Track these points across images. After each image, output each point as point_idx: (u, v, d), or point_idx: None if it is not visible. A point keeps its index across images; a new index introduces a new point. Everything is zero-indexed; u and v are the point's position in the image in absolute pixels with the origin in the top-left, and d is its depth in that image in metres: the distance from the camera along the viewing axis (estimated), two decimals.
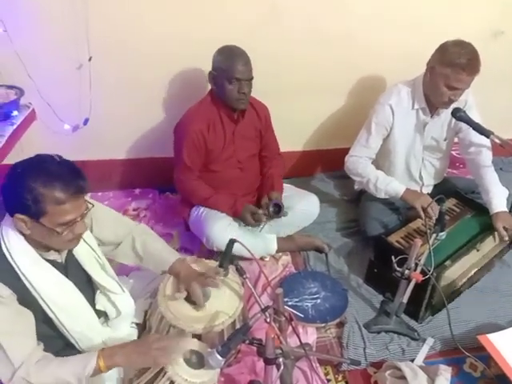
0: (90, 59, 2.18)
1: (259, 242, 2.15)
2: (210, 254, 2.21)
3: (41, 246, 1.31)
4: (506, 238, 2.04)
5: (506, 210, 2.08)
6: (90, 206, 1.32)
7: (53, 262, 1.35)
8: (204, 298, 1.58)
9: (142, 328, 1.65)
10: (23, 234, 1.28)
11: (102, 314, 1.51)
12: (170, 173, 2.35)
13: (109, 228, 1.57)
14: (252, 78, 2.00)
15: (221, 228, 2.05)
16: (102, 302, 1.49)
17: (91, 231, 1.49)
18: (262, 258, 2.21)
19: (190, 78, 2.37)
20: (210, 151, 2.11)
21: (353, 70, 2.58)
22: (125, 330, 1.56)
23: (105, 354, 1.26)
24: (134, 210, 2.54)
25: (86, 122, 2.34)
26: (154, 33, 2.22)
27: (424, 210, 2.02)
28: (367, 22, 2.40)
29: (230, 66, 1.94)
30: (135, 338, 1.58)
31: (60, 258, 1.38)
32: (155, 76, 2.36)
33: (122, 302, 1.52)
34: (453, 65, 1.92)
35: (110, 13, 2.14)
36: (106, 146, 2.52)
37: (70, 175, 1.23)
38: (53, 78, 2.22)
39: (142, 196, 2.63)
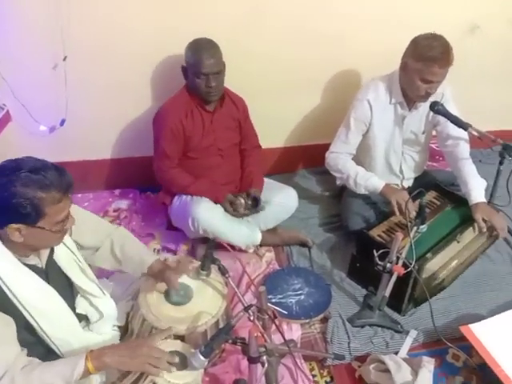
0: (64, 59, 2.14)
1: (244, 228, 2.16)
2: (192, 254, 2.20)
3: (22, 250, 1.28)
4: (484, 230, 2.06)
5: (485, 200, 2.10)
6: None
7: (33, 267, 1.32)
8: (186, 299, 1.58)
9: (125, 330, 1.62)
10: (1, 239, 1.24)
11: (82, 318, 1.48)
12: (151, 172, 2.33)
13: (89, 232, 1.55)
14: (220, 71, 2.01)
15: (206, 209, 2.07)
16: (82, 306, 1.47)
17: (70, 235, 1.46)
18: (245, 250, 2.20)
19: (169, 76, 2.33)
20: (189, 138, 2.13)
21: (335, 67, 2.58)
22: (107, 332, 1.53)
23: (93, 355, 1.23)
24: (114, 210, 2.50)
25: (62, 122, 2.30)
26: (132, 31, 2.18)
27: (399, 206, 2.03)
28: (351, 20, 2.40)
29: (197, 61, 1.98)
30: (117, 340, 1.56)
31: (40, 262, 1.35)
32: (133, 74, 2.32)
33: (104, 304, 1.50)
34: (425, 58, 1.93)
35: (85, 11, 2.09)
36: (84, 147, 2.48)
37: (58, 173, 1.22)
38: (27, 78, 2.17)
39: (123, 196, 2.60)
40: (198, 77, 2.00)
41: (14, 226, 1.19)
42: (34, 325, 1.30)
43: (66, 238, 1.41)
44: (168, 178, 2.18)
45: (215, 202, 2.14)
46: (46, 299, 1.32)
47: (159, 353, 1.29)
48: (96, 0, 2.09)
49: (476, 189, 2.10)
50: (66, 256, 1.42)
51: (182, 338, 1.49)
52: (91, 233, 1.56)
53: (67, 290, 1.43)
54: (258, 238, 2.19)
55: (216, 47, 2.02)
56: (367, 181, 2.17)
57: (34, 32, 2.09)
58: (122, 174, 2.60)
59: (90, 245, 1.57)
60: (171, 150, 2.13)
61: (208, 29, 2.13)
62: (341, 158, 2.24)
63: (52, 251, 1.38)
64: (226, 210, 2.14)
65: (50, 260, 1.38)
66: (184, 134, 2.11)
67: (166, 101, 2.16)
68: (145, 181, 2.56)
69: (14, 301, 1.25)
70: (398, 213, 2.05)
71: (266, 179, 2.33)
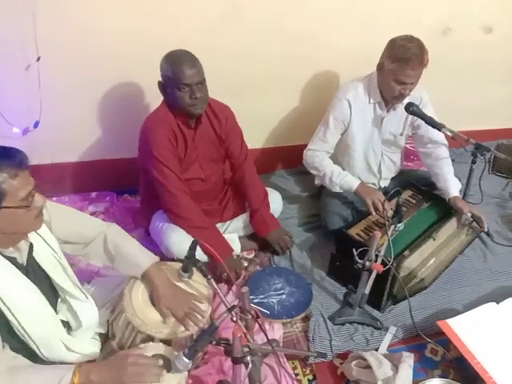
0: (38, 59, 2.10)
1: None
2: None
3: (2, 241, 1.25)
4: (470, 215, 2.13)
5: (460, 197, 2.18)
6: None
7: (13, 261, 1.29)
8: None
9: (106, 337, 1.59)
10: None
11: (65, 325, 1.45)
12: (127, 174, 2.31)
13: (69, 227, 1.51)
14: (203, 81, 1.89)
15: (179, 237, 1.97)
16: (63, 312, 1.44)
17: (50, 230, 1.43)
18: None
19: (144, 78, 2.31)
20: (178, 159, 2.00)
21: (312, 67, 2.60)
22: (87, 341, 1.51)
23: (81, 370, 1.21)
24: (91, 213, 2.45)
25: (36, 124, 2.25)
26: (107, 33, 2.15)
27: (375, 205, 2.07)
28: (328, 19, 2.43)
29: (177, 72, 1.83)
30: (98, 349, 1.53)
31: (20, 258, 1.32)
32: (108, 76, 2.29)
33: (84, 310, 1.47)
34: (398, 60, 1.96)
35: (59, 11, 2.06)
36: (59, 149, 2.43)
37: (5, 150, 1.21)
38: None
39: (99, 199, 2.56)
40: (179, 89, 1.84)
41: None
42: (13, 321, 1.26)
43: (47, 235, 1.39)
44: (185, 205, 1.97)
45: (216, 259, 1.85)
46: (26, 294, 1.29)
47: (144, 368, 1.26)
48: (68, 1, 2.05)
49: (454, 185, 2.18)
50: (45, 252, 1.39)
51: (167, 341, 1.47)
52: (70, 225, 1.52)
53: (49, 291, 1.40)
54: (237, 247, 2.17)
55: (195, 57, 1.87)
56: (342, 180, 2.20)
57: (5, 31, 2.04)
58: (97, 176, 2.56)
59: (73, 238, 1.53)
60: (176, 168, 1.95)
61: (181, 30, 2.12)
62: (317, 156, 2.26)
63: (31, 248, 1.35)
64: (219, 272, 1.97)
65: (30, 257, 1.35)
66: (177, 153, 1.97)
67: (145, 123, 1.98)
68: (122, 183, 2.54)
69: None
70: (374, 212, 2.09)
71: None
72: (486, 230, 2.21)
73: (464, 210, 2.12)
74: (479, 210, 2.18)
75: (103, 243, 1.57)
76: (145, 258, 1.59)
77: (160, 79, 1.93)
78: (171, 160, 1.95)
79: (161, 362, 1.30)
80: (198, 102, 1.88)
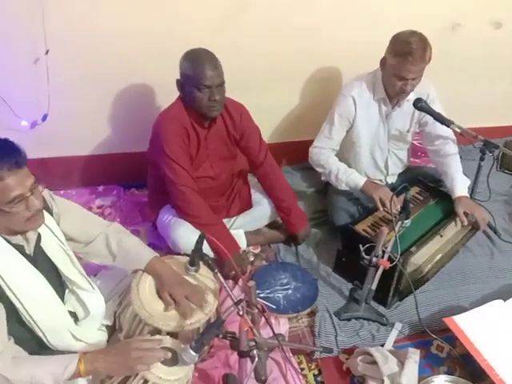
0: (46, 52, 2.10)
1: None
2: None
3: (5, 231, 1.25)
4: (466, 223, 2.12)
5: (468, 195, 2.16)
6: (41, 187, 1.26)
7: (21, 249, 1.30)
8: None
9: (113, 329, 1.60)
10: None
11: (72, 315, 1.46)
12: (134, 168, 2.31)
13: (76, 225, 1.52)
14: (222, 83, 1.86)
15: (186, 232, 1.98)
16: (71, 302, 1.46)
17: (58, 224, 1.45)
18: None
19: (152, 74, 2.32)
20: (189, 157, 2.00)
21: (316, 63, 2.59)
22: (94, 331, 1.52)
23: (86, 358, 1.22)
24: (98, 207, 2.47)
25: (44, 117, 2.25)
26: (116, 26, 2.16)
27: (382, 201, 2.07)
28: (333, 14, 2.42)
29: (198, 73, 1.80)
30: (105, 339, 1.54)
31: (28, 248, 1.33)
32: (116, 70, 2.29)
33: (92, 300, 1.48)
34: (399, 55, 1.95)
35: (68, 6, 2.06)
36: (67, 143, 2.44)
37: (1, 151, 1.17)
38: (7, 72, 2.13)
39: (106, 193, 2.57)
40: (199, 90, 1.82)
41: None
42: (21, 309, 1.27)
43: (55, 228, 1.40)
44: (194, 201, 1.98)
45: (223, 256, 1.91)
46: (33, 283, 1.30)
47: (148, 351, 1.27)
48: None
49: (460, 183, 2.16)
50: (53, 243, 1.39)
51: (174, 334, 1.48)
52: (79, 226, 1.53)
53: (57, 282, 1.42)
54: (243, 243, 2.18)
55: (216, 57, 1.85)
56: (348, 177, 2.20)
57: (15, 25, 2.05)
58: (105, 170, 2.57)
59: (79, 238, 1.54)
60: (187, 165, 1.95)
61: (187, 27, 2.12)
62: (323, 154, 2.26)
63: (39, 238, 1.35)
64: (227, 269, 1.95)
65: (38, 247, 1.35)
66: (188, 151, 1.97)
67: (158, 119, 1.97)
68: (129, 177, 2.55)
69: (1, 282, 1.23)
70: (381, 208, 2.09)
71: (255, 179, 2.30)
72: (481, 230, 2.21)
73: (462, 219, 2.10)
74: (480, 213, 2.13)
75: (105, 241, 1.57)
76: (147, 251, 1.61)
77: (178, 77, 1.91)
78: (182, 157, 1.94)
79: (163, 343, 1.32)
80: (216, 104, 1.87)
